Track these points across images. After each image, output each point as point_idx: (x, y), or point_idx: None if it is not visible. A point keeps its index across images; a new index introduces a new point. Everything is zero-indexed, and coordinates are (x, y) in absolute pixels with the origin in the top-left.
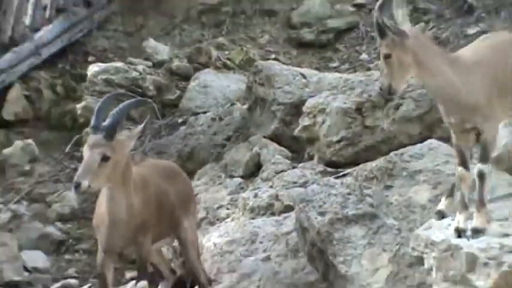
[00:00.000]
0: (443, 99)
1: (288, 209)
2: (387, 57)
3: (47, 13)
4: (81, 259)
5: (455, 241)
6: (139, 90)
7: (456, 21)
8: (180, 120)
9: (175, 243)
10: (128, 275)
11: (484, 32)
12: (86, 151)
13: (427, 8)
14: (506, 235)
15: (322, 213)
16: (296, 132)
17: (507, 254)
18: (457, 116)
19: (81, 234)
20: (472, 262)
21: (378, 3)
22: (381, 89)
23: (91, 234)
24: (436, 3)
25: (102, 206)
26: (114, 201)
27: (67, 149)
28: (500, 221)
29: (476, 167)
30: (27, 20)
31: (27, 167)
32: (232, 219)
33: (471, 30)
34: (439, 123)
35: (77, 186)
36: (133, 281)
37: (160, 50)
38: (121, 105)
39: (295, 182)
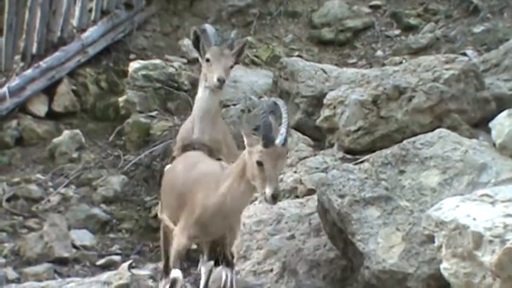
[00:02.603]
0: None
1: (311, 192)
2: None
3: (92, 15)
4: (123, 237)
5: (463, 221)
6: (175, 84)
7: (463, 21)
8: None
9: None
10: None
11: (489, 31)
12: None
13: (436, 9)
14: (509, 215)
15: (341, 196)
16: (318, 122)
17: (510, 232)
18: None
19: (123, 215)
20: (478, 240)
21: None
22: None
23: (132, 215)
24: (444, 4)
25: (212, 198)
26: (246, 194)
27: (110, 138)
28: (504, 203)
29: None
30: (74, 22)
31: (74, 155)
32: (260, 202)
33: (477, 29)
34: (447, 114)
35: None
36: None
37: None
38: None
39: (317, 168)
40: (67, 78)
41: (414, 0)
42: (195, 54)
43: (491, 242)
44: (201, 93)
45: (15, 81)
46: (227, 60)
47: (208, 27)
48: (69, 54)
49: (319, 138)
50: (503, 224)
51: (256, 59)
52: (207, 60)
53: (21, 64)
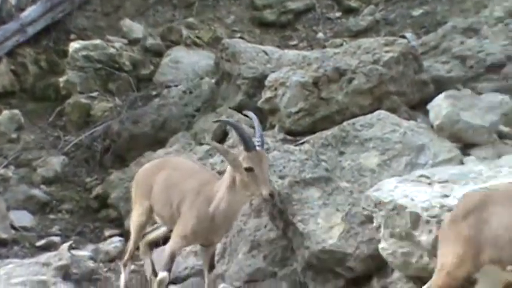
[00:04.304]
0: None
1: None
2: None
3: None
4: (63, 218)
5: (401, 201)
6: (116, 65)
7: (402, 4)
8: (154, 93)
9: None
10: (107, 233)
11: (427, 14)
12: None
13: None
14: (445, 196)
15: (282, 177)
16: (259, 103)
17: (447, 212)
18: None
19: (63, 196)
20: (416, 220)
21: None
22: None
23: (72, 196)
24: None
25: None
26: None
27: (50, 119)
28: (441, 183)
29: None
30: (13, 0)
31: (14, 135)
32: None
33: (416, 12)
34: (387, 96)
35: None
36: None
37: (136, 29)
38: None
39: None
40: (6, 57)
41: None
42: (216, 145)
43: (428, 222)
44: (235, 200)
45: None
46: (267, 167)
47: (254, 116)
48: (7, 33)
49: (260, 119)
50: (439, 205)
51: (197, 40)
52: (249, 169)
53: None
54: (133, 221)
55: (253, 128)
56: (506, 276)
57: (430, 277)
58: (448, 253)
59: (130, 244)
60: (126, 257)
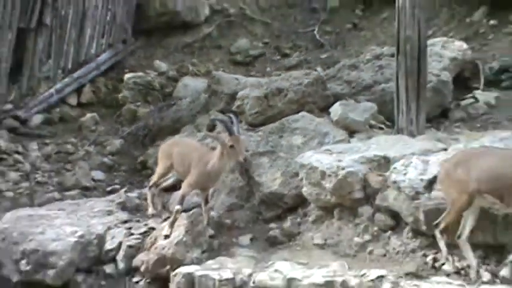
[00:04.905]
0: None
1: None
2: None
3: (103, 47)
4: (121, 175)
5: (315, 164)
6: (151, 87)
7: (315, 51)
8: (172, 103)
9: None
10: (146, 184)
11: (329, 57)
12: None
13: (300, 44)
14: (340, 160)
15: (247, 150)
16: (233, 108)
17: (341, 170)
18: None
19: (121, 162)
20: (323, 175)
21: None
22: (245, 160)
23: (126, 162)
24: (304, 41)
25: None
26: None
27: (114, 118)
28: (337, 154)
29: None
30: (93, 50)
31: (93, 127)
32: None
33: (323, 56)
34: (307, 104)
35: None
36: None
37: (162, 66)
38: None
39: None
40: (88, 84)
41: (288, 39)
42: (209, 134)
43: (330, 175)
44: (222, 164)
45: (58, 85)
46: (242, 144)
47: (235, 117)
48: (89, 69)
49: None
50: (336, 166)
51: (198, 72)
52: (232, 146)
53: (62, 75)
54: (158, 170)
55: (232, 121)
56: (482, 201)
57: (332, 208)
58: (453, 195)
59: (154, 177)
60: (150, 184)
